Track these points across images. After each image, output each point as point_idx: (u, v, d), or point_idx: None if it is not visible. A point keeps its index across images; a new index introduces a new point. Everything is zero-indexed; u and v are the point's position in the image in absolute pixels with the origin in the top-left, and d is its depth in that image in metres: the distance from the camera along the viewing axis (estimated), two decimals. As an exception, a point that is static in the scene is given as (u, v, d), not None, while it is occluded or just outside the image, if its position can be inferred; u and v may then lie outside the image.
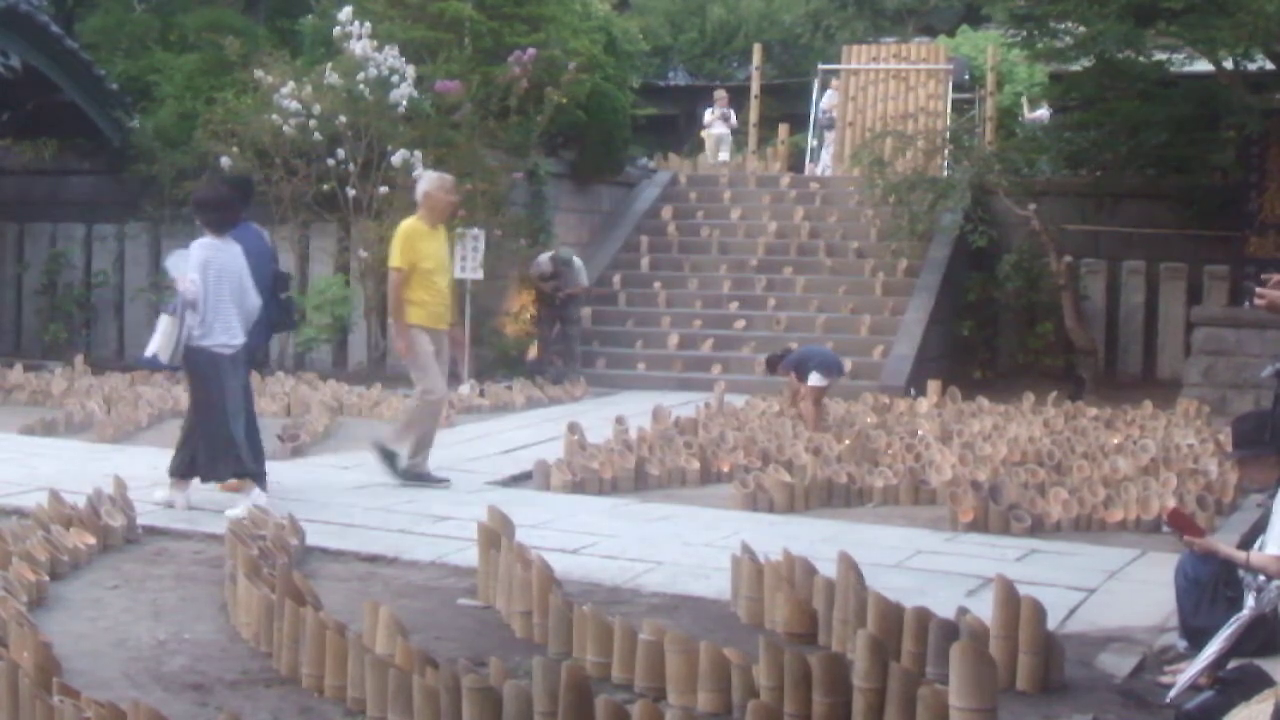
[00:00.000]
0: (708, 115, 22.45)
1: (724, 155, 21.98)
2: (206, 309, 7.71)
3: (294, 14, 18.48)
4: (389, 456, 8.77)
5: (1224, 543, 5.38)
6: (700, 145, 22.98)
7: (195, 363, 7.81)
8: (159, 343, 7.70)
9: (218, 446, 7.81)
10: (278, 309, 8.62)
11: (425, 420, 8.86)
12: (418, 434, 8.82)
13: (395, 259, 8.74)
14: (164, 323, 7.72)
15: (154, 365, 8.26)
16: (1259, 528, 5.28)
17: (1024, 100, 20.37)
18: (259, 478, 7.97)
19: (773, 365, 11.69)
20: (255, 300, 8.02)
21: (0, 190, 16.43)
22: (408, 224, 8.89)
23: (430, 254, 8.80)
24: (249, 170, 14.78)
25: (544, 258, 15.31)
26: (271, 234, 15.12)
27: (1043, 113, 20.26)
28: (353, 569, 6.77)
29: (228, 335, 7.82)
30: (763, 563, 5.97)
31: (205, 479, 8.01)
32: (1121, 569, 6.96)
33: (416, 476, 8.76)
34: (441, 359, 8.95)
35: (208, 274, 7.73)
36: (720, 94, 22.70)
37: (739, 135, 22.70)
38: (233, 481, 8.04)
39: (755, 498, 8.54)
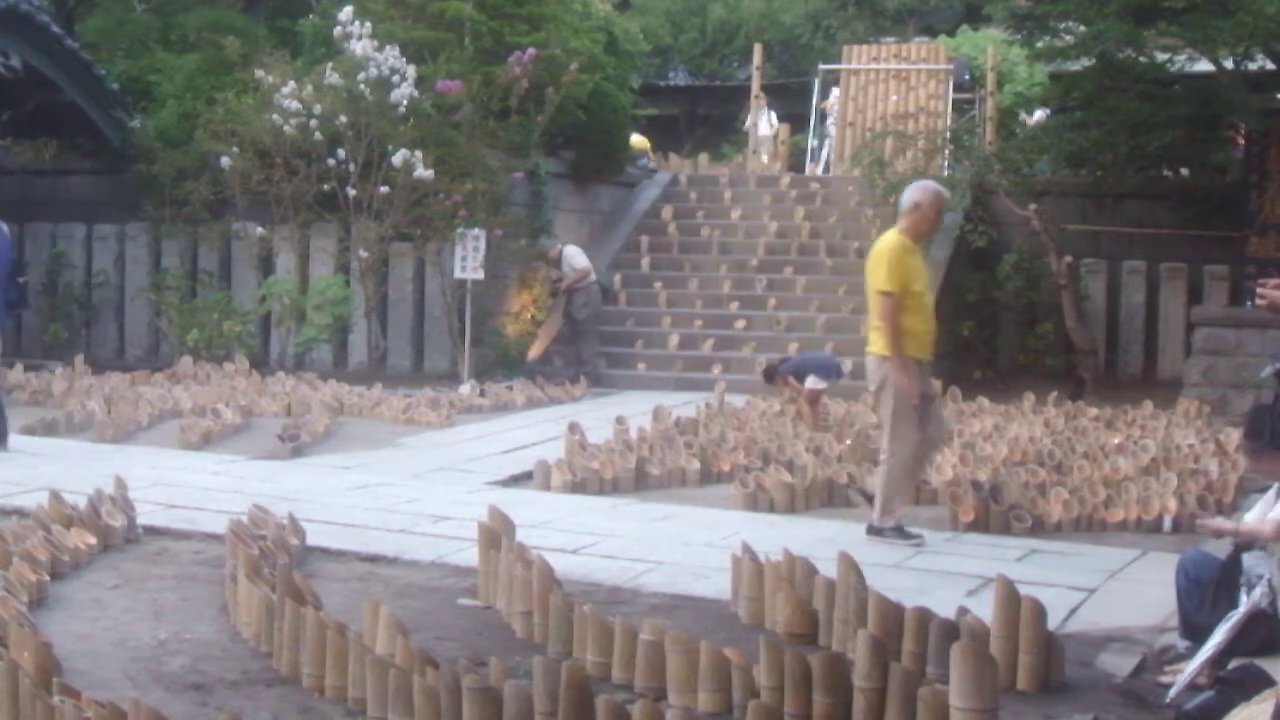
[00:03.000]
0: (750, 117, 22.25)
1: (764, 157, 21.89)
2: None
3: (294, 14, 18.49)
4: (891, 532, 7.47)
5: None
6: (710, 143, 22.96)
7: None
8: None
9: None
10: (15, 291, 9.93)
11: (899, 481, 7.57)
12: (891, 496, 7.53)
13: (884, 281, 7.41)
14: None
15: None
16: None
17: (1022, 117, 20.42)
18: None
19: (770, 375, 11.69)
20: None
21: (0, 190, 16.43)
22: (893, 239, 7.52)
23: (920, 274, 7.62)
24: (249, 170, 14.83)
25: (552, 243, 15.55)
26: (272, 233, 15.29)
27: (1039, 115, 20.31)
28: (353, 569, 6.76)
29: None
30: (763, 563, 5.97)
31: None
32: (1121, 569, 6.97)
33: (891, 530, 7.50)
34: (929, 397, 7.70)
35: None
36: (761, 94, 22.53)
37: (742, 136, 22.70)
38: None
39: (756, 498, 8.54)
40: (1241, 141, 16.65)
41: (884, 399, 7.53)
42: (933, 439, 7.66)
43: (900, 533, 7.42)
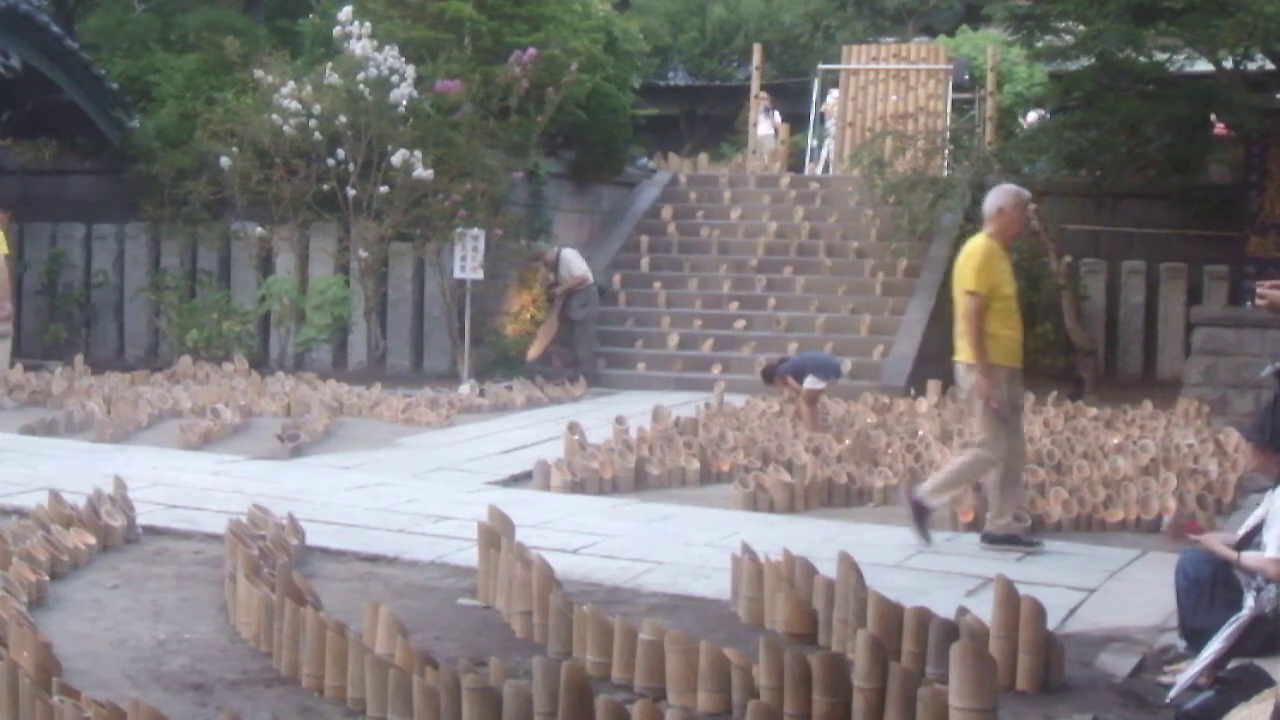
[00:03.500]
0: (753, 115, 22.24)
1: (764, 157, 21.89)
2: None
3: (294, 14, 18.51)
4: (1009, 542, 7.38)
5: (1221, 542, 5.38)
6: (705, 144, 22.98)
7: None
8: None
9: None
10: None
11: (970, 475, 7.59)
12: (953, 483, 7.56)
13: (972, 281, 7.27)
14: None
15: None
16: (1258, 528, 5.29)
17: (1020, 119, 20.45)
18: None
19: (769, 376, 11.69)
20: None
21: (0, 190, 16.43)
22: (983, 242, 7.42)
23: (1009, 278, 7.50)
24: (249, 170, 14.83)
25: (549, 247, 15.55)
26: (271, 233, 15.29)
27: (1033, 116, 20.35)
28: (353, 569, 6.76)
29: None
30: (763, 562, 5.97)
31: None
32: (1121, 569, 6.97)
33: (919, 521, 7.41)
34: (1017, 407, 7.57)
35: None
36: (763, 94, 22.51)
37: (741, 136, 22.70)
38: None
39: (755, 498, 8.54)
40: (1221, 130, 16.70)
41: (973, 405, 7.48)
42: (1016, 452, 7.54)
43: (1018, 541, 7.35)
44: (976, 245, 7.43)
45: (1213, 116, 16.79)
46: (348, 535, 7.33)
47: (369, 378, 14.07)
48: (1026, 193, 7.72)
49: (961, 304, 7.36)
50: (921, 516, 7.35)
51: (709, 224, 17.90)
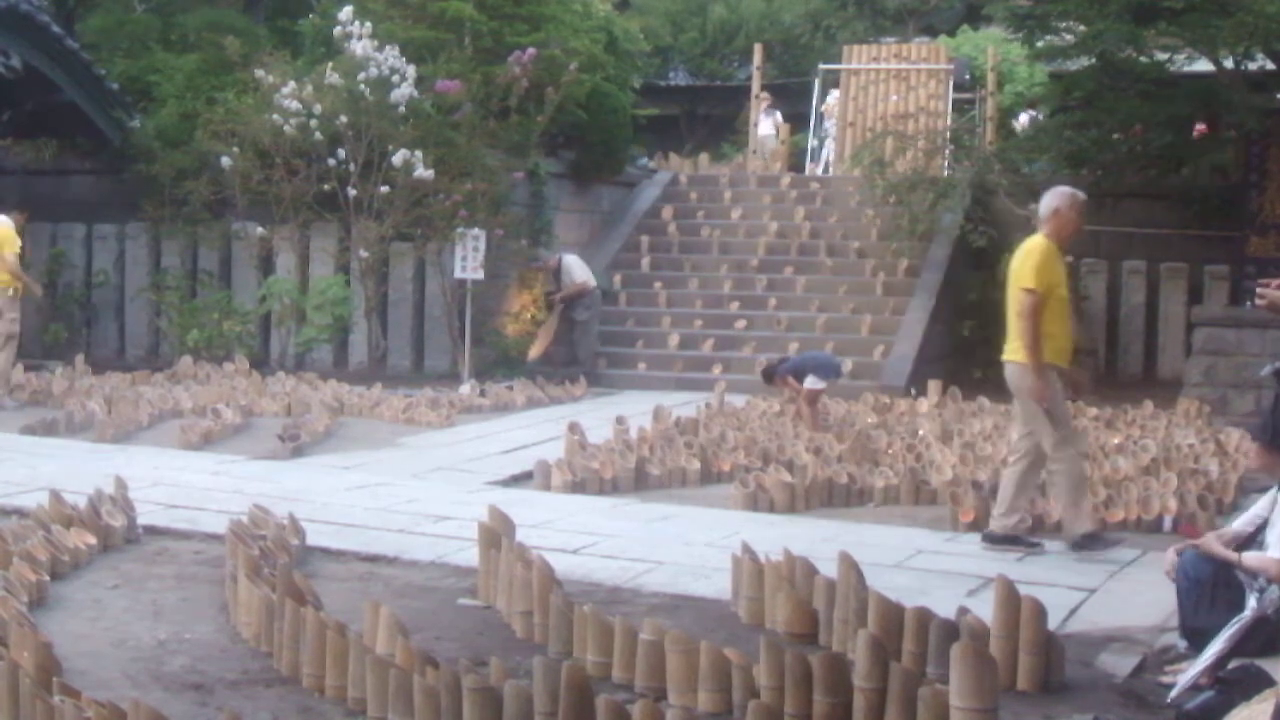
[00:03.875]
0: (754, 115, 22.22)
1: (764, 157, 21.88)
2: None
3: (294, 14, 18.51)
4: (1088, 542, 7.32)
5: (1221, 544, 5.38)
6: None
7: None
8: None
9: None
10: None
11: (1082, 481, 7.52)
12: (1076, 497, 7.41)
13: (1029, 279, 7.26)
14: None
15: None
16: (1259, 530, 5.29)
17: (1013, 121, 20.48)
18: None
19: (769, 376, 11.68)
20: None
21: (0, 190, 16.42)
22: (1041, 242, 7.40)
23: (1064, 279, 7.53)
24: (249, 170, 14.83)
25: (550, 254, 15.51)
26: (272, 233, 15.29)
27: (1024, 118, 20.37)
28: (353, 569, 6.76)
29: None
30: (763, 562, 5.97)
31: None
32: (1121, 569, 6.97)
33: (1088, 542, 7.33)
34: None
35: None
36: (764, 94, 22.49)
37: (741, 136, 22.70)
38: None
39: (756, 498, 8.54)
40: (1203, 128, 16.70)
41: (1026, 406, 7.42)
42: (1043, 457, 7.49)
43: (1098, 540, 7.28)
44: (1035, 244, 7.40)
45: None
46: (348, 535, 7.33)
47: (369, 378, 14.07)
48: (1082, 195, 7.65)
49: (1018, 302, 7.32)
50: (1090, 544, 7.24)
51: (709, 224, 17.90)
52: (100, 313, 16.62)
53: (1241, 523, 5.49)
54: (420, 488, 8.83)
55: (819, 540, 7.18)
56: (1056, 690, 5.04)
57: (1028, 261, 7.33)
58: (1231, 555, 5.17)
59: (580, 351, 15.08)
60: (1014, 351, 7.39)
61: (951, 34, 23.96)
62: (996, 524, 7.45)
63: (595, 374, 14.78)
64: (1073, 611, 6.09)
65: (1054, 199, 7.53)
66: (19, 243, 12.82)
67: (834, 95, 21.37)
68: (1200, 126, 17.29)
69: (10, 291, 12.64)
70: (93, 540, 6.83)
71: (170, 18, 18.30)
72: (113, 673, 5.04)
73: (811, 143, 22.05)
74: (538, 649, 5.34)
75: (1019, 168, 16.25)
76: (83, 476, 8.19)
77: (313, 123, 14.42)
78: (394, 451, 10.41)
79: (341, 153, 14.53)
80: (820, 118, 21.93)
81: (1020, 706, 4.86)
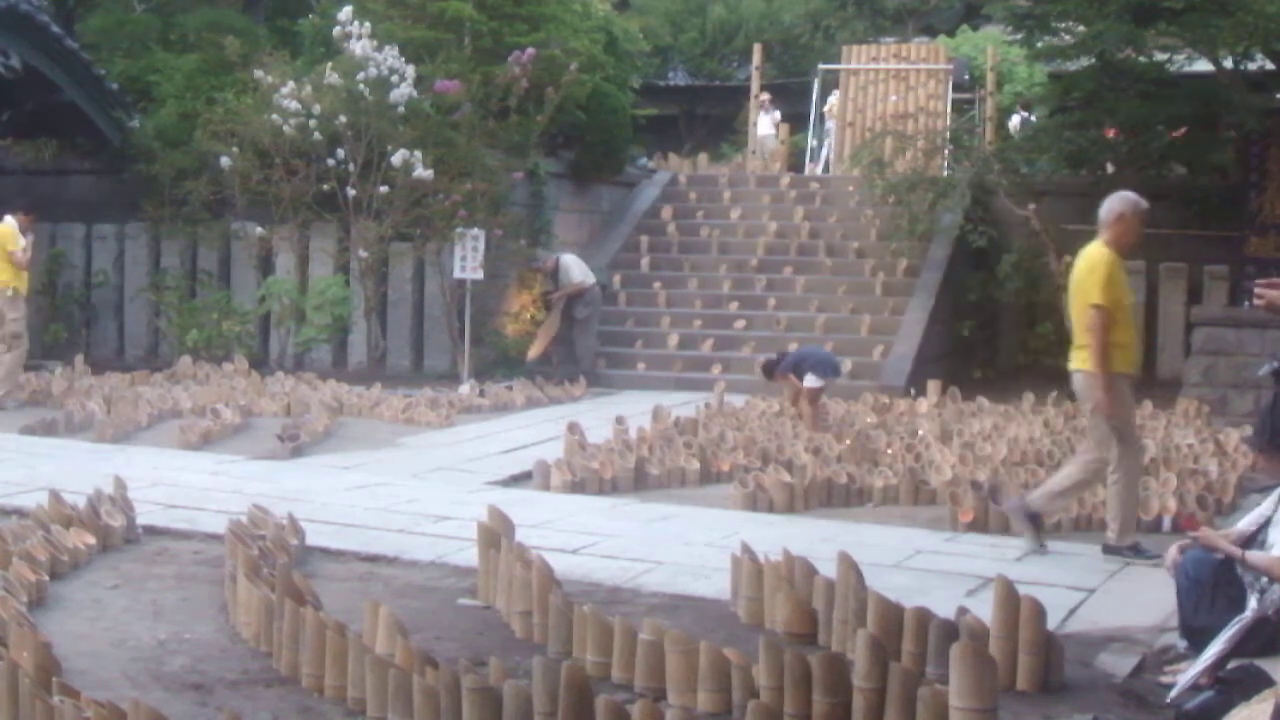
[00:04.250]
0: (753, 115, 22.22)
1: (765, 157, 21.87)
2: None
3: (294, 14, 18.51)
4: (1131, 554, 7.20)
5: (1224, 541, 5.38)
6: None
7: None
8: None
9: None
10: None
11: (1133, 492, 7.38)
12: (1132, 510, 7.33)
13: (1097, 294, 7.07)
14: None
15: None
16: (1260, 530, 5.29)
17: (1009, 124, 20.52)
18: None
19: (769, 370, 11.68)
20: None
21: (0, 190, 16.41)
22: (1102, 252, 7.21)
23: (1127, 287, 7.41)
24: (249, 170, 14.83)
25: (547, 255, 15.48)
26: (271, 233, 15.29)
27: (1016, 119, 20.39)
28: (353, 569, 6.76)
29: None
30: (763, 563, 5.97)
31: None
32: (1121, 569, 6.96)
33: (1129, 549, 7.24)
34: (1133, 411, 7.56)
35: None
36: (764, 94, 22.47)
37: (741, 136, 22.71)
38: None
39: (755, 498, 8.54)
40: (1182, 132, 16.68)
41: (1095, 417, 7.33)
42: (1105, 458, 7.39)
43: (1137, 551, 7.17)
44: (1100, 257, 7.20)
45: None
46: (348, 535, 7.33)
47: (369, 378, 14.07)
48: (1145, 203, 7.42)
49: (1085, 317, 7.17)
50: (1133, 551, 7.13)
51: (709, 224, 17.90)
52: (100, 313, 16.62)
53: (1246, 523, 5.49)
54: (420, 488, 8.83)
55: (818, 540, 7.18)
56: (1056, 690, 5.03)
57: (1093, 275, 7.15)
58: (1235, 550, 5.16)
59: (580, 350, 15.08)
60: (1083, 360, 7.24)
61: (951, 34, 23.99)
62: (1115, 541, 7.25)
63: (595, 374, 14.78)
64: (1072, 611, 6.09)
65: (1118, 204, 7.30)
66: (22, 240, 12.80)
67: (835, 96, 21.39)
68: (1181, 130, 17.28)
69: (10, 292, 12.63)
70: (92, 540, 6.83)
71: (170, 18, 18.31)
72: (112, 673, 5.04)
73: (811, 142, 22.06)
74: (537, 649, 5.34)
75: (1019, 168, 16.24)
76: (82, 476, 8.19)
77: (312, 123, 14.42)
78: (393, 451, 10.41)
79: (341, 153, 14.53)
80: (821, 118, 21.94)
81: (1020, 706, 4.85)
